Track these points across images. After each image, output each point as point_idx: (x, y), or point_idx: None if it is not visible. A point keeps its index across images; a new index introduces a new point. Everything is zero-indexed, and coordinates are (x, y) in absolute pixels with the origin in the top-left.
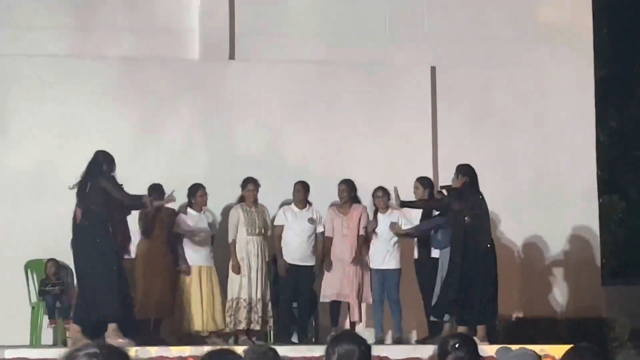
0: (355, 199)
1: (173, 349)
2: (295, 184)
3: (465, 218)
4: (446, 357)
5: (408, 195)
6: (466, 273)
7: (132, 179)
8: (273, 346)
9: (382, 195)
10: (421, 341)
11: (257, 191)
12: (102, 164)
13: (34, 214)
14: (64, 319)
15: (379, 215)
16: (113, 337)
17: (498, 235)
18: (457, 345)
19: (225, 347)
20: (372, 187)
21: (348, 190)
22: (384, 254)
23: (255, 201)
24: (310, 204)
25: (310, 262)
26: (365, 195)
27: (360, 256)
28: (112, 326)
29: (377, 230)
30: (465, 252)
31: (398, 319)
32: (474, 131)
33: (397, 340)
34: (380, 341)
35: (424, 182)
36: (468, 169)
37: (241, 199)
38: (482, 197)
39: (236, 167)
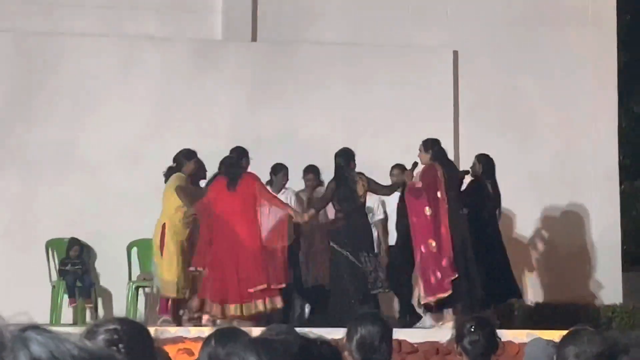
0: None
1: (192, 330)
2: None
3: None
4: (462, 340)
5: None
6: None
7: (152, 159)
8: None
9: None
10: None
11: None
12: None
13: (56, 192)
14: (84, 299)
15: None
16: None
17: (519, 221)
18: (472, 329)
19: (233, 325)
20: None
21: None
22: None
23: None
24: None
25: None
26: (386, 177)
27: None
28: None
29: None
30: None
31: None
32: (496, 115)
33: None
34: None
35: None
36: (483, 159)
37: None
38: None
39: (257, 149)
